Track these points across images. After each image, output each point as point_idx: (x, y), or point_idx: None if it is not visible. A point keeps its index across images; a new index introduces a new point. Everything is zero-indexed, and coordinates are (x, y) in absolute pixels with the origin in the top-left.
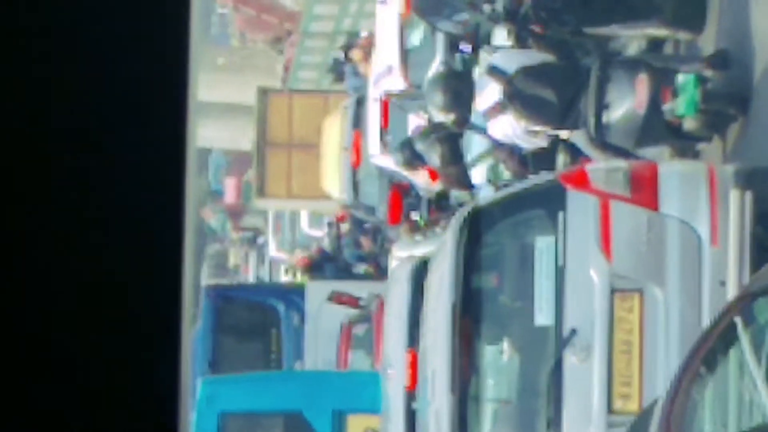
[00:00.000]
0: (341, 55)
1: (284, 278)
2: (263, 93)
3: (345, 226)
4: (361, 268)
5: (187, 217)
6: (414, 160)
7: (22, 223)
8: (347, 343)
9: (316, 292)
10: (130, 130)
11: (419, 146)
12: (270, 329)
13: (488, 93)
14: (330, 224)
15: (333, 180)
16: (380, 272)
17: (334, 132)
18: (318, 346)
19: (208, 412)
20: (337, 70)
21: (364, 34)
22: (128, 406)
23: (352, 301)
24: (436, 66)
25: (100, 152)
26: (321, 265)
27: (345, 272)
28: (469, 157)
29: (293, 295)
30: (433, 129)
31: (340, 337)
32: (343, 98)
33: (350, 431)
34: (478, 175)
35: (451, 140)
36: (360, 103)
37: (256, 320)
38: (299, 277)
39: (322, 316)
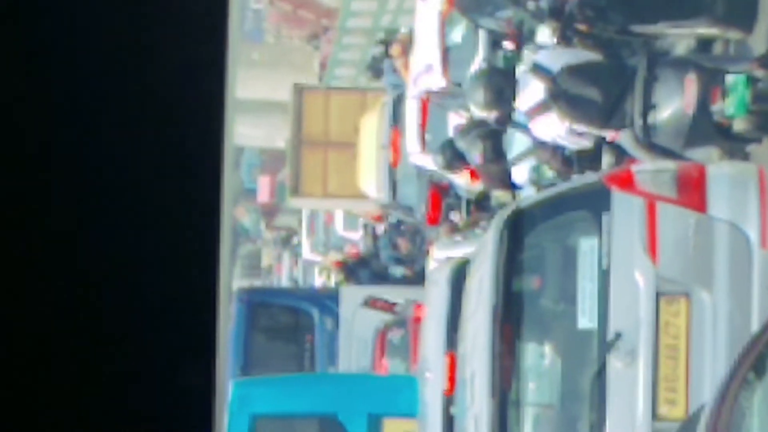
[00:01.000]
0: (380, 52)
1: (318, 279)
2: (299, 90)
3: (381, 227)
4: (398, 271)
5: (223, 216)
6: (455, 161)
7: (57, 222)
8: (382, 349)
9: (351, 296)
10: (167, 128)
11: (460, 143)
12: (304, 334)
13: (531, 92)
14: (366, 225)
15: (370, 179)
16: (418, 275)
17: (371, 130)
18: (352, 353)
19: (240, 414)
20: (376, 67)
21: (403, 30)
22: (163, 408)
23: (388, 307)
24: (477, 64)
25: (137, 149)
26: (355, 269)
27: (381, 276)
28: (511, 156)
29: (327, 300)
30: (475, 125)
31: (374, 343)
32: (381, 96)
33: None
34: (520, 174)
35: (493, 137)
36: (399, 100)
37: (290, 325)
38: (333, 279)
39: (357, 321)
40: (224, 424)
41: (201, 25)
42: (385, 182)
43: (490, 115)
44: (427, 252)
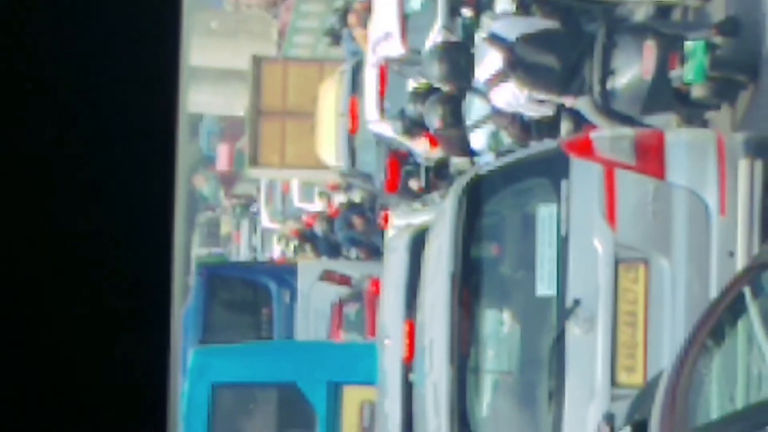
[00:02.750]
0: (338, 21)
1: (276, 247)
2: (257, 61)
3: (338, 199)
4: (352, 254)
5: (177, 183)
6: (413, 127)
7: (22, 200)
8: (339, 322)
9: (308, 270)
10: (121, 96)
11: (419, 107)
12: (261, 308)
13: (489, 61)
14: (321, 194)
15: (329, 148)
16: (373, 255)
17: (330, 98)
18: (309, 326)
19: (200, 383)
20: (334, 35)
21: (358, 3)
22: (119, 376)
23: (344, 280)
24: (435, 31)
25: (91, 117)
26: (312, 238)
27: (337, 250)
28: (469, 122)
29: (285, 274)
30: (433, 90)
31: (331, 317)
32: (339, 66)
33: (346, 403)
34: (478, 141)
35: (452, 103)
36: (357, 68)
37: (248, 298)
38: (291, 247)
39: (314, 295)
40: (182, 393)
41: None
42: (344, 150)
43: (449, 84)
44: (381, 230)
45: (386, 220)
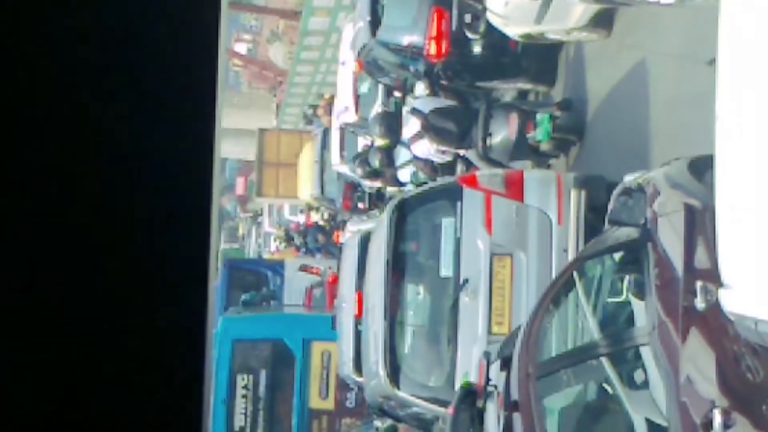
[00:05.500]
0: (310, 111)
1: (273, 243)
2: (261, 131)
3: (314, 215)
4: (317, 256)
5: (213, 203)
6: (371, 173)
7: (90, 220)
8: (309, 301)
9: (292, 265)
10: (179, 147)
11: (369, 158)
12: (262, 287)
13: (411, 125)
14: (302, 210)
15: (306, 186)
16: (331, 256)
17: (308, 153)
18: (291, 300)
19: (225, 338)
20: (308, 120)
21: (326, 96)
22: (162, 336)
23: (315, 271)
24: (377, 106)
25: (155, 160)
26: (292, 238)
27: (310, 251)
28: (398, 163)
29: (277, 266)
30: (373, 146)
31: (305, 296)
32: (310, 136)
33: (313, 352)
34: (404, 176)
35: (387, 151)
36: (325, 133)
37: (253, 281)
38: (283, 245)
39: (295, 280)
40: (213, 347)
41: (199, 78)
42: (317, 184)
43: (384, 142)
44: (336, 242)
45: (337, 237)
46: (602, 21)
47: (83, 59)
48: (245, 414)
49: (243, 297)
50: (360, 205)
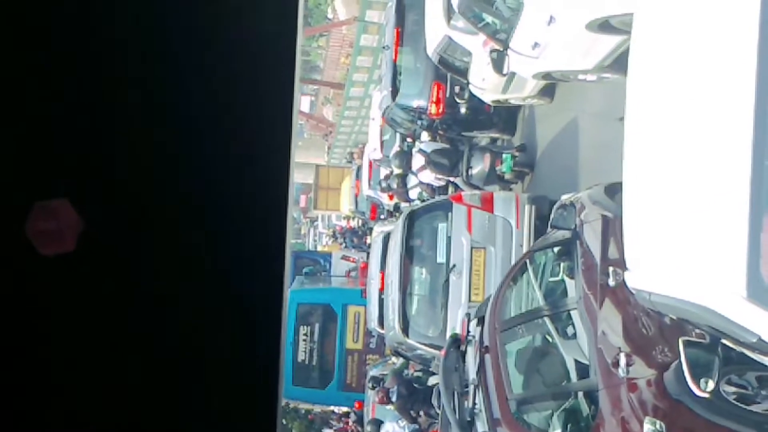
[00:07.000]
0: (350, 155)
1: (325, 239)
2: (317, 167)
3: (352, 222)
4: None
5: (289, 212)
6: (389, 189)
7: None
8: (348, 279)
9: (336, 255)
10: (265, 175)
11: (389, 182)
12: (317, 272)
13: (418, 160)
14: (345, 218)
15: (345, 202)
16: (363, 251)
17: (347, 182)
18: (336, 279)
19: (292, 303)
20: (348, 159)
21: (359, 146)
22: (254, 302)
23: (352, 260)
24: (395, 147)
25: (250, 185)
26: (337, 237)
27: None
28: (409, 186)
29: (328, 256)
30: (393, 174)
31: (345, 276)
32: (350, 169)
33: (349, 313)
34: (413, 194)
35: (402, 177)
36: (359, 169)
37: (310, 267)
38: (330, 240)
39: (338, 266)
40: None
41: (281, 130)
42: (353, 202)
43: (400, 170)
44: (366, 241)
45: (366, 240)
46: (547, 91)
47: (186, 117)
48: (305, 351)
49: (305, 269)
50: (382, 217)
